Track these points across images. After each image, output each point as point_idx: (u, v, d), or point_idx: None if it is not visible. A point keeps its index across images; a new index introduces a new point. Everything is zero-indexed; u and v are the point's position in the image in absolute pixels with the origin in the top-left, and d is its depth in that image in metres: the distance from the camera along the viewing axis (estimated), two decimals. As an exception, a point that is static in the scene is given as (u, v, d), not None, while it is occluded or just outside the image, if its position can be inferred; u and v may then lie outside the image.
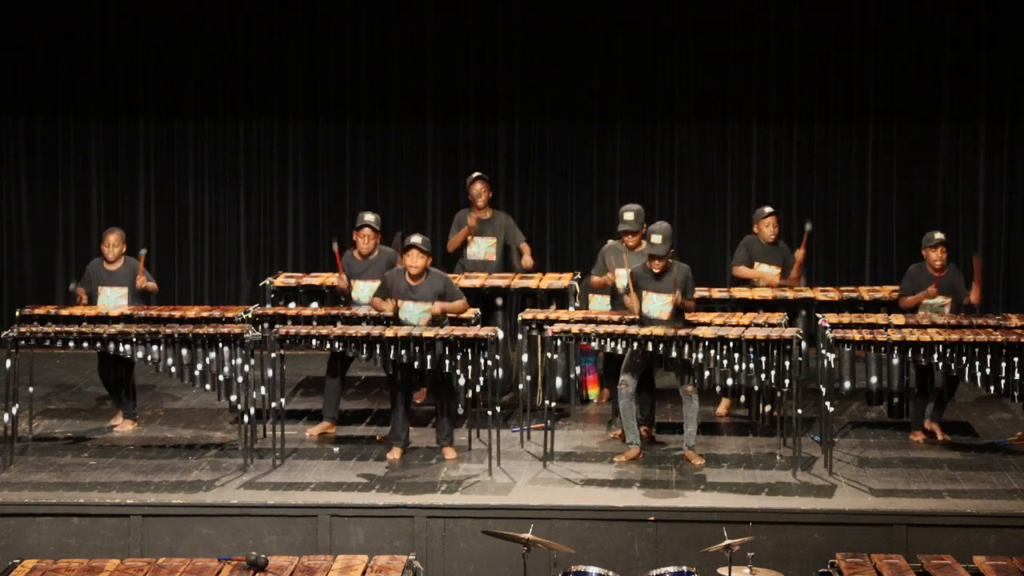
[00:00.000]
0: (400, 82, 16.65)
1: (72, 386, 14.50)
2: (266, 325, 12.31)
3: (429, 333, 11.53)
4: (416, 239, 11.84)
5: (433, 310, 11.81)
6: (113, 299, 12.75)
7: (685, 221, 16.47)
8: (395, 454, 11.90)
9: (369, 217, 12.69)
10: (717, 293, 13.18)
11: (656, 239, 11.63)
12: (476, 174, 13.97)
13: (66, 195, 16.81)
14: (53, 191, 16.81)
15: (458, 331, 11.60)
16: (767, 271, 13.34)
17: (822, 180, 16.56)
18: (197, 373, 11.69)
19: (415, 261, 11.78)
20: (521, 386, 12.41)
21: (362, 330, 11.65)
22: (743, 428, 12.88)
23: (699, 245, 16.43)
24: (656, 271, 11.69)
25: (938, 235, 12.52)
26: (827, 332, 11.81)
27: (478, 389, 11.64)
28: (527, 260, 13.89)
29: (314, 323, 12.38)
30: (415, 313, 11.81)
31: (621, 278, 12.55)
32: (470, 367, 11.53)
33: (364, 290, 12.61)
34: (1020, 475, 11.49)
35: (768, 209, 13.50)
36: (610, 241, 13.05)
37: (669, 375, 12.25)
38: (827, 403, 11.52)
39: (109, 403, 13.30)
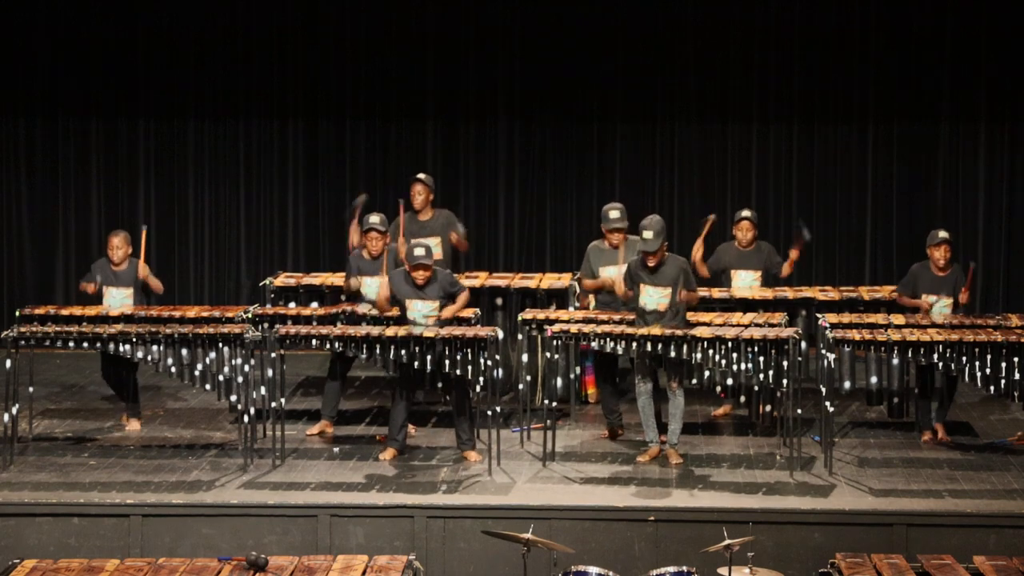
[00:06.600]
0: (400, 82, 16.66)
1: (72, 386, 14.50)
2: (266, 325, 12.30)
3: (429, 333, 11.53)
4: (419, 252, 11.82)
5: (444, 315, 11.82)
6: (119, 299, 12.75)
7: (685, 221, 16.46)
8: (388, 454, 11.90)
9: (374, 219, 12.62)
10: (717, 293, 13.18)
11: (648, 235, 11.64)
12: (418, 175, 13.78)
13: (66, 195, 16.82)
14: (53, 191, 16.82)
15: (458, 331, 11.60)
16: (743, 276, 13.33)
17: (822, 180, 16.56)
18: (197, 373, 11.69)
19: (421, 275, 11.76)
20: (521, 386, 12.42)
21: (362, 330, 11.65)
22: (743, 428, 12.88)
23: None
24: (651, 266, 11.69)
25: (942, 233, 12.51)
26: (827, 332, 11.81)
27: (478, 389, 11.65)
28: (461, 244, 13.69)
29: (314, 323, 12.37)
30: (422, 312, 11.81)
31: (605, 274, 12.57)
32: (470, 367, 11.53)
33: (372, 287, 12.59)
34: (1020, 475, 11.49)
35: (745, 212, 13.45)
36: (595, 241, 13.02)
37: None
38: (827, 403, 11.52)
39: (112, 403, 13.29)
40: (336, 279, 13.35)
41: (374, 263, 12.59)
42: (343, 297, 12.93)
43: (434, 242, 13.43)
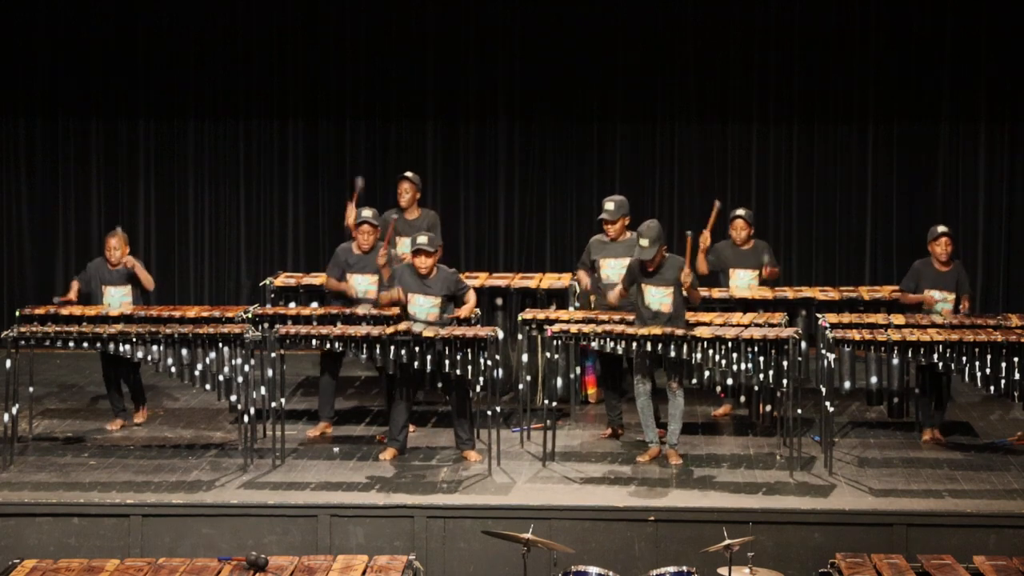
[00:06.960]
0: (400, 82, 16.66)
1: (72, 386, 14.50)
2: (266, 325, 12.30)
3: (429, 333, 11.53)
4: (422, 239, 11.85)
5: (459, 314, 11.84)
6: (117, 298, 12.75)
7: (685, 221, 16.45)
8: (388, 454, 11.90)
9: (366, 213, 12.67)
10: (717, 293, 13.18)
11: (644, 242, 11.63)
12: (405, 173, 13.77)
13: (66, 195, 16.83)
14: (53, 191, 16.82)
15: (458, 331, 11.60)
16: (742, 275, 13.35)
17: (822, 180, 16.56)
18: (197, 373, 11.69)
19: (424, 262, 11.78)
20: (521, 386, 12.42)
21: (362, 330, 11.65)
22: (743, 428, 12.88)
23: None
24: (650, 271, 11.70)
25: (941, 228, 12.54)
26: (827, 332, 11.81)
27: (478, 389, 11.65)
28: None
29: (314, 323, 12.37)
30: (425, 307, 11.81)
31: (606, 267, 12.59)
32: (470, 367, 11.54)
33: (361, 283, 12.59)
34: (1020, 475, 11.49)
35: (739, 211, 13.45)
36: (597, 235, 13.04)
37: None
38: (827, 403, 11.52)
39: (106, 404, 13.28)
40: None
41: (364, 258, 12.59)
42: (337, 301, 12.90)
43: None
